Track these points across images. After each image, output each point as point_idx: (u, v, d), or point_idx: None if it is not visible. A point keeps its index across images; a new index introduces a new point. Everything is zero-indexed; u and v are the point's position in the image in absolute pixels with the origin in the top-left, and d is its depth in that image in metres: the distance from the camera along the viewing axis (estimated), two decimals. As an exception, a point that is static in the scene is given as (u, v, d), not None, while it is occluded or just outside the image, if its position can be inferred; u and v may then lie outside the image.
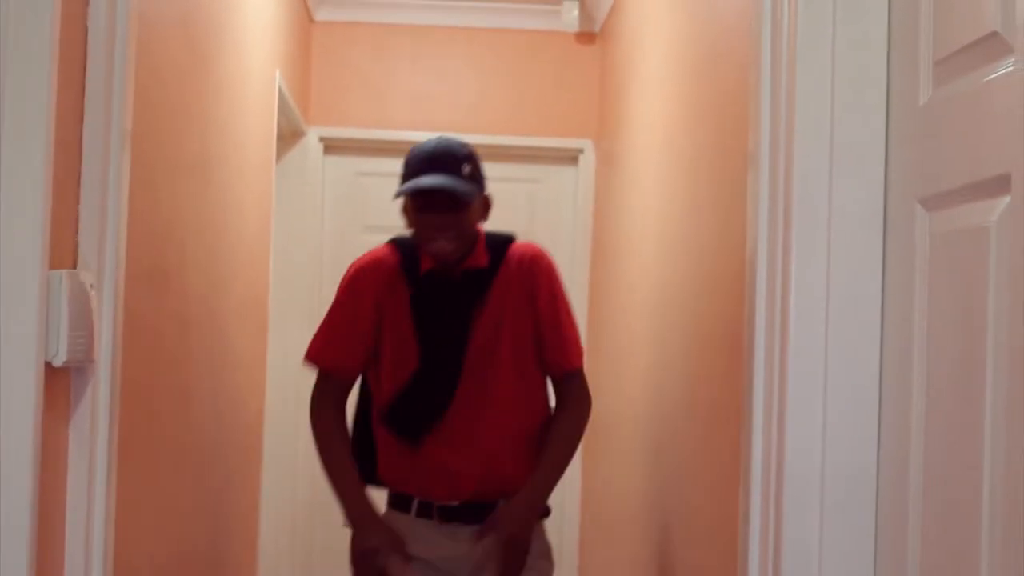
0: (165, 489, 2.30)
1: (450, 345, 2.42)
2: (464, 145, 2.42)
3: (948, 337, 1.34)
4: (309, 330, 4.35)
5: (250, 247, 3.22)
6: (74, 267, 1.58)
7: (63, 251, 1.54)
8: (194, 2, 2.44)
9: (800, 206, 1.55)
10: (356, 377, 2.53)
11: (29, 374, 1.42)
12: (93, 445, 1.63)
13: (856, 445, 1.53)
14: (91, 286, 1.57)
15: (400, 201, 2.43)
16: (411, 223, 2.41)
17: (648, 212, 3.08)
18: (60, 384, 1.55)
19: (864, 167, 1.53)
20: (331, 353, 2.48)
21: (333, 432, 2.49)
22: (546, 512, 2.48)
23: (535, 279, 2.43)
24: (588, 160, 4.49)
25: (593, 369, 2.86)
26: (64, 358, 1.47)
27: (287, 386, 4.35)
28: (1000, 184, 1.21)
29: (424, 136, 4.44)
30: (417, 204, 2.36)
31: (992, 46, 1.24)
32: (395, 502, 2.47)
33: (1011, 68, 1.20)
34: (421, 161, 2.36)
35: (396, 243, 2.52)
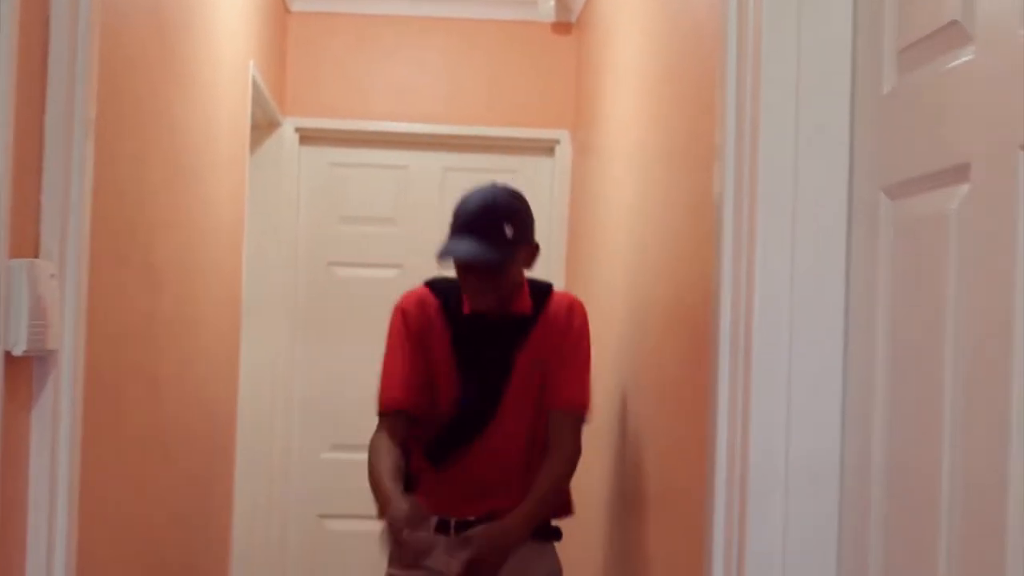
0: (132, 481, 2.29)
1: (489, 384, 2.51)
2: (512, 200, 2.46)
3: (910, 324, 1.35)
4: (283, 321, 4.41)
5: (223, 237, 3.20)
6: (36, 256, 1.56)
7: (24, 240, 1.53)
8: (163, -10, 2.43)
9: (765, 195, 1.55)
10: (412, 407, 2.56)
11: (-12, 363, 1.41)
12: (56, 435, 1.61)
13: (820, 432, 1.54)
14: (52, 275, 1.56)
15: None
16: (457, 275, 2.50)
17: (621, 203, 3.08)
18: (21, 374, 1.53)
19: (829, 156, 1.53)
20: (397, 393, 2.54)
21: (380, 448, 2.50)
22: (556, 535, 2.57)
23: (570, 325, 2.53)
24: (565, 151, 4.48)
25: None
26: (24, 347, 1.46)
27: (261, 377, 4.35)
28: (960, 173, 1.21)
29: (399, 127, 4.47)
30: (458, 264, 2.44)
31: (953, 35, 1.24)
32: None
33: (971, 57, 1.20)
34: (463, 222, 2.42)
35: (432, 285, 2.61)
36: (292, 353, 4.50)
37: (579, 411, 2.55)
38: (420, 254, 4.45)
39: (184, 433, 2.78)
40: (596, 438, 2.97)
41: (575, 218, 4.28)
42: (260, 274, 4.26)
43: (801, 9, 1.53)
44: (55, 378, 1.60)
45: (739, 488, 1.58)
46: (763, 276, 1.55)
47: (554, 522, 2.59)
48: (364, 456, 4.60)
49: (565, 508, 2.60)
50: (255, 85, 3.61)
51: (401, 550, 2.34)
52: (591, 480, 2.98)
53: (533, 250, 2.52)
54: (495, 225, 2.39)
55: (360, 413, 4.45)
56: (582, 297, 2.71)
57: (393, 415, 2.54)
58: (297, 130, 4.47)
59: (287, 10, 4.41)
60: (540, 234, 2.56)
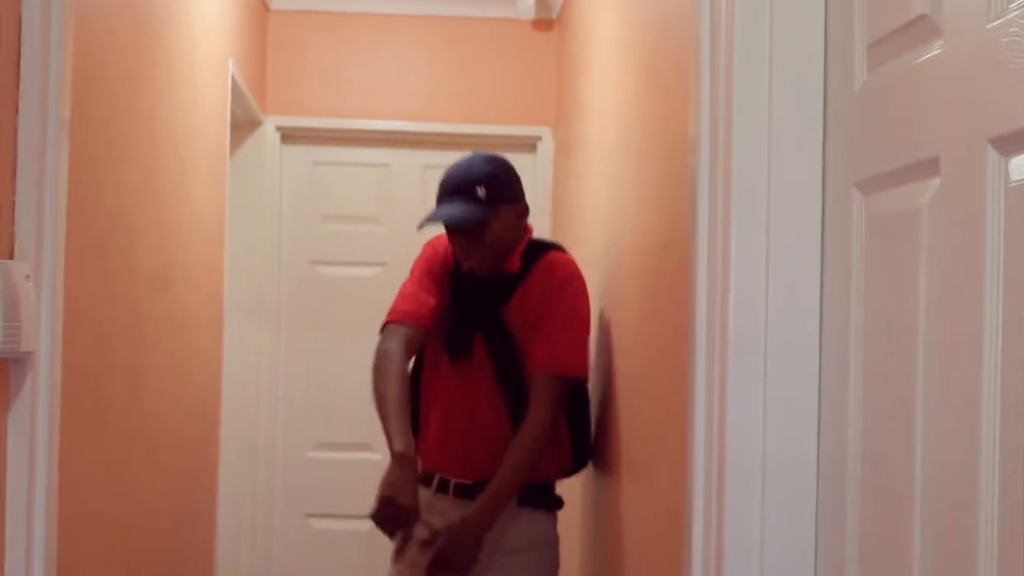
0: (114, 482, 2.28)
1: (472, 338, 2.61)
2: (486, 164, 2.59)
3: (884, 318, 1.35)
4: (267, 320, 4.41)
5: (204, 236, 3.19)
6: (10, 257, 1.56)
7: (-2, 241, 1.53)
8: (140, -10, 2.42)
9: (739, 190, 1.55)
10: (423, 327, 2.65)
11: (-38, 365, 1.41)
12: (34, 437, 1.61)
13: (796, 432, 1.54)
14: (27, 276, 1.56)
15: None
16: None
17: (599, 199, 3.09)
18: (-4, 375, 1.53)
19: (802, 151, 1.53)
20: (401, 305, 2.66)
21: (391, 366, 2.59)
22: (543, 502, 2.64)
23: (549, 282, 2.59)
24: (546, 147, 4.49)
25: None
26: (-2, 349, 1.46)
27: (245, 377, 4.34)
28: (930, 167, 1.22)
29: (380, 125, 4.46)
30: (445, 228, 2.58)
31: (921, 29, 1.25)
32: (422, 478, 2.63)
33: (939, 51, 1.21)
34: (441, 188, 2.59)
35: None
36: (276, 352, 4.50)
37: (559, 371, 2.55)
38: (403, 252, 4.45)
39: (167, 433, 2.77)
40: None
41: (557, 214, 4.28)
42: (243, 273, 4.26)
43: (773, 4, 1.54)
44: (32, 380, 1.60)
45: (717, 483, 1.59)
46: (738, 271, 1.56)
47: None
48: (350, 455, 4.59)
49: (557, 467, 2.67)
50: (235, 83, 3.61)
51: (383, 512, 2.46)
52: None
53: (520, 211, 2.63)
54: (467, 188, 2.54)
55: (345, 411, 4.50)
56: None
57: (399, 325, 2.64)
58: (278, 129, 4.46)
59: (266, 8, 4.40)
60: (523, 230, 2.61)
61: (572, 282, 2.62)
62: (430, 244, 2.76)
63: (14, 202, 1.57)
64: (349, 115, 4.48)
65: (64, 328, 1.69)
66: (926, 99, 1.23)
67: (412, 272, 2.73)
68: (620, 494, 2.56)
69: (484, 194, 2.53)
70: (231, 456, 3.99)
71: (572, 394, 2.64)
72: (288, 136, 4.50)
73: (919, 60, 1.25)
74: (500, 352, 2.61)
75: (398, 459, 2.46)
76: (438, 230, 2.66)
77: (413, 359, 2.70)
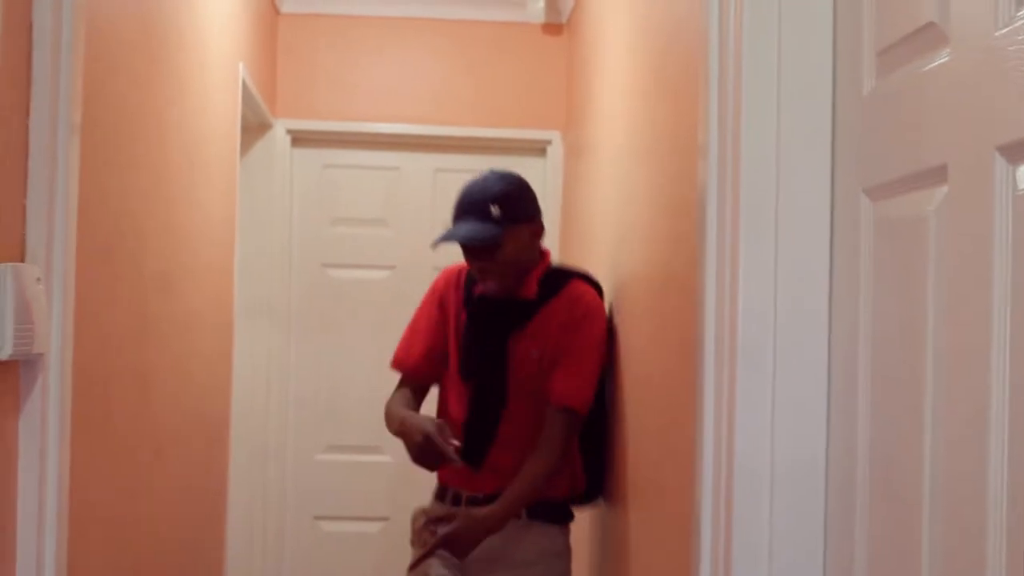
0: (124, 484, 2.29)
1: (488, 368, 2.63)
2: (501, 183, 2.61)
3: (892, 324, 1.35)
4: (277, 323, 4.42)
5: (214, 240, 3.20)
6: (22, 260, 1.57)
7: (9, 245, 1.54)
8: (151, -6, 2.43)
9: (748, 196, 1.56)
10: (425, 377, 2.76)
11: (-26, 368, 1.41)
12: (44, 439, 1.62)
13: (805, 438, 1.54)
14: (39, 279, 1.57)
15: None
16: None
17: (608, 203, 3.09)
18: (7, 378, 1.54)
19: (811, 158, 1.53)
20: (400, 353, 2.74)
21: (394, 402, 2.68)
22: (555, 516, 2.67)
23: (571, 317, 2.60)
24: (556, 151, 4.49)
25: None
26: (9, 351, 1.47)
27: (256, 380, 4.35)
28: (938, 175, 1.22)
29: (390, 129, 4.48)
30: (461, 247, 2.59)
31: (929, 37, 1.25)
32: (437, 492, 2.74)
33: (947, 59, 1.21)
34: (456, 207, 2.61)
35: None
36: (286, 355, 4.51)
37: (571, 407, 2.59)
38: (412, 255, 4.48)
39: (177, 436, 2.78)
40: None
41: (567, 219, 4.28)
42: (253, 276, 4.27)
43: (782, 10, 1.54)
44: (43, 382, 1.61)
45: (725, 489, 1.59)
46: (747, 276, 1.56)
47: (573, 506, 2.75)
48: (360, 458, 4.66)
49: (569, 486, 2.71)
50: (245, 87, 3.62)
51: (421, 452, 2.47)
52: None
53: (535, 230, 2.64)
54: (481, 206, 2.55)
55: (355, 414, 4.51)
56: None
57: (402, 383, 2.73)
58: (289, 132, 4.48)
59: (277, 11, 4.41)
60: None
61: (593, 317, 2.63)
62: (443, 272, 2.80)
63: (25, 205, 1.57)
64: (359, 118, 4.49)
65: (73, 331, 1.70)
66: (934, 106, 1.23)
67: (418, 311, 2.78)
68: (628, 500, 2.56)
69: (498, 213, 2.55)
70: (241, 459, 4.00)
71: (589, 421, 2.68)
72: (298, 139, 4.51)
73: (927, 67, 1.25)
74: (487, 377, 2.65)
75: (403, 419, 2.55)
76: (453, 248, 2.66)
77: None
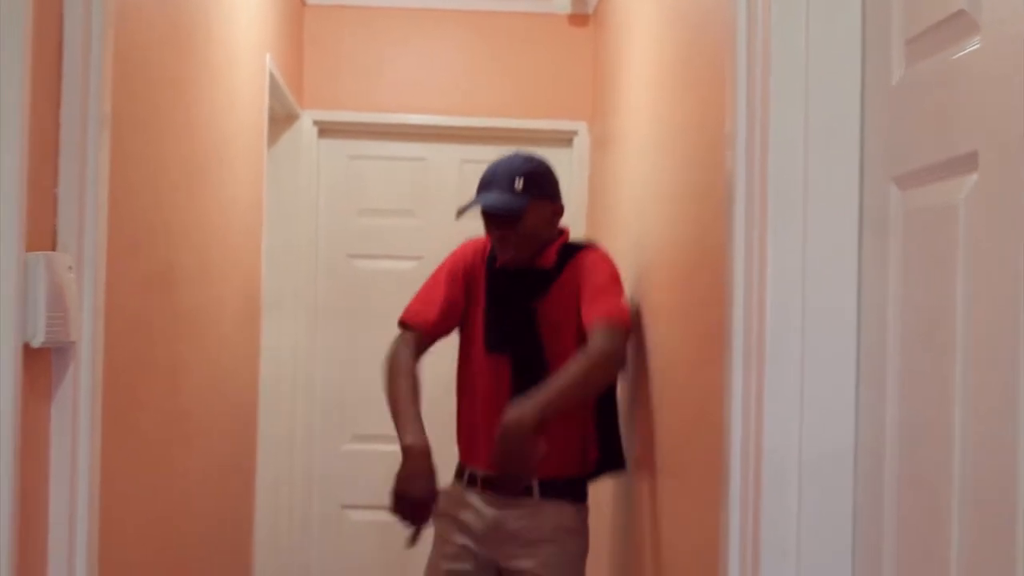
0: (153, 471, 2.31)
1: (520, 338, 2.65)
2: (526, 161, 2.67)
3: (921, 313, 1.34)
4: (304, 314, 4.44)
5: (242, 230, 3.22)
6: (53, 249, 1.59)
7: (41, 234, 1.55)
8: (180, -15, 2.44)
9: (776, 185, 1.55)
10: (432, 332, 2.74)
11: (7, 354, 1.43)
12: (75, 426, 1.64)
13: (833, 421, 1.53)
14: (70, 268, 1.58)
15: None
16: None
17: (634, 194, 3.09)
18: (40, 365, 1.56)
19: (839, 146, 1.53)
20: (413, 307, 2.75)
21: (400, 365, 2.65)
22: (580, 495, 2.69)
23: (583, 265, 2.64)
24: (582, 142, 4.48)
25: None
26: (42, 339, 1.48)
27: (283, 371, 4.38)
28: (968, 162, 1.21)
29: (416, 119, 4.49)
30: (483, 217, 2.66)
31: (960, 24, 1.24)
32: (457, 470, 2.76)
33: (977, 46, 1.20)
34: (481, 179, 2.67)
35: None
36: (313, 345, 4.53)
37: (605, 316, 2.48)
38: (439, 246, 4.47)
39: (205, 424, 2.80)
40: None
41: (593, 209, 4.28)
42: (280, 267, 4.29)
43: (810, -1, 1.53)
44: (74, 369, 1.63)
45: (753, 480, 1.59)
46: (775, 267, 1.55)
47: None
48: (384, 447, 4.65)
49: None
50: (272, 78, 3.63)
51: (411, 507, 2.48)
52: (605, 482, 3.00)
53: (556, 209, 2.69)
54: (507, 179, 2.62)
55: (381, 404, 4.49)
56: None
57: (410, 331, 2.70)
58: (315, 123, 4.49)
59: (303, 3, 4.42)
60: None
61: (604, 263, 2.67)
62: (464, 244, 2.82)
63: (56, 195, 1.59)
64: (385, 109, 4.50)
65: (104, 319, 1.72)
66: (964, 94, 1.23)
67: (437, 270, 2.80)
68: (654, 492, 2.56)
69: (522, 186, 2.61)
70: (268, 448, 4.02)
71: (603, 396, 2.68)
72: (325, 130, 4.53)
73: (957, 55, 1.24)
74: (524, 347, 2.65)
75: (407, 452, 2.50)
76: (477, 221, 2.70)
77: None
